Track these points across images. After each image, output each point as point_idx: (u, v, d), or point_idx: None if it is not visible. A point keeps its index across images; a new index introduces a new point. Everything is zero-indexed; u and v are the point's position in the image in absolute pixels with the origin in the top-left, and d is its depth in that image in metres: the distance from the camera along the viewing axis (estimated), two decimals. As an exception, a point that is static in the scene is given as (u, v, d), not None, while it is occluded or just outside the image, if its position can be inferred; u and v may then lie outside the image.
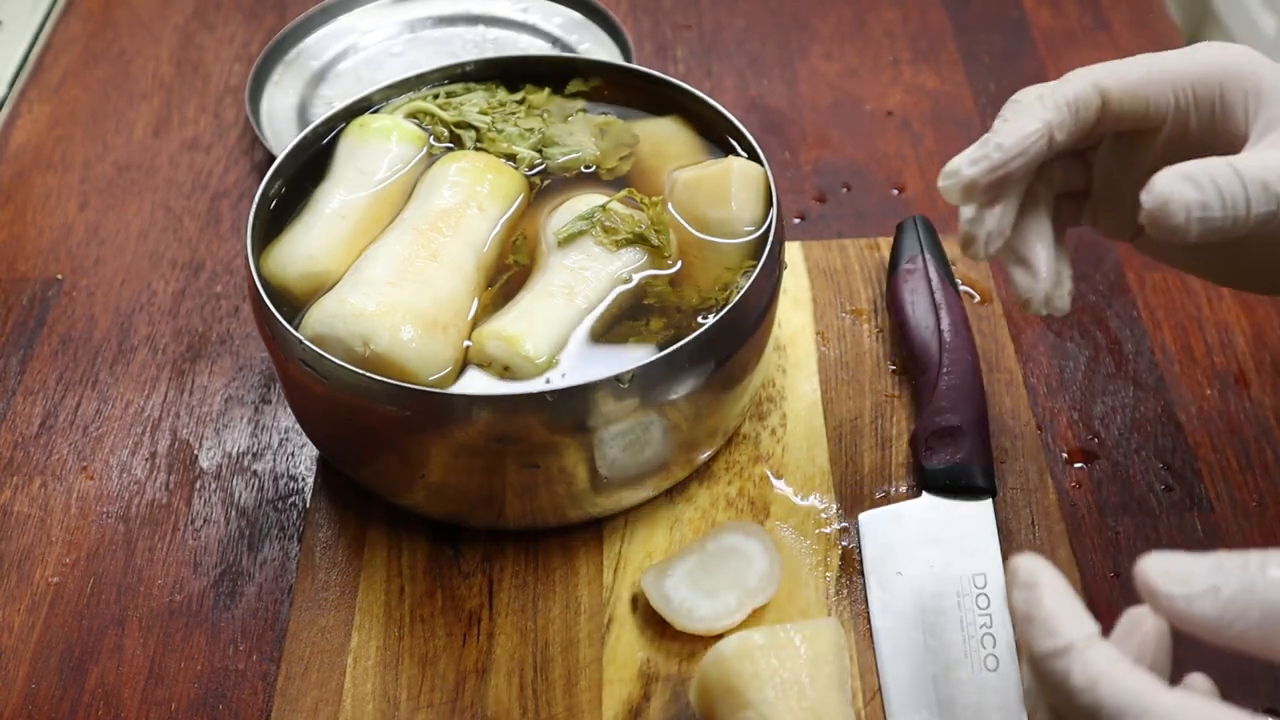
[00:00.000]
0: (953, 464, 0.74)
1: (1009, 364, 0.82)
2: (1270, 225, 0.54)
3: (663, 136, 0.80)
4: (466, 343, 0.69)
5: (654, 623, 0.69)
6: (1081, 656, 0.44)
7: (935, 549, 0.72)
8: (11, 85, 1.08)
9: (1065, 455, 0.78)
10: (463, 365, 0.69)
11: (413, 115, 0.81)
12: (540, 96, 0.82)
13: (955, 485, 0.73)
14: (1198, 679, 0.49)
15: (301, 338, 0.66)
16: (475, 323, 0.70)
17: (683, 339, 0.66)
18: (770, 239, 0.71)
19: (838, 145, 1.00)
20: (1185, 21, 1.62)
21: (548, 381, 0.67)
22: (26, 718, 0.68)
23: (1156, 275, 0.89)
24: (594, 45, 1.05)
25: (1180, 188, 0.53)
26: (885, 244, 0.89)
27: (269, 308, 0.68)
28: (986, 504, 0.73)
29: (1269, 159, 0.55)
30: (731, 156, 0.76)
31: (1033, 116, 0.60)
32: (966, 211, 0.62)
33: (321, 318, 0.68)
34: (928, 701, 0.66)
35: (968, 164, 0.60)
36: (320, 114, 0.93)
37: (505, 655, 0.69)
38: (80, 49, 1.12)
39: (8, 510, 0.78)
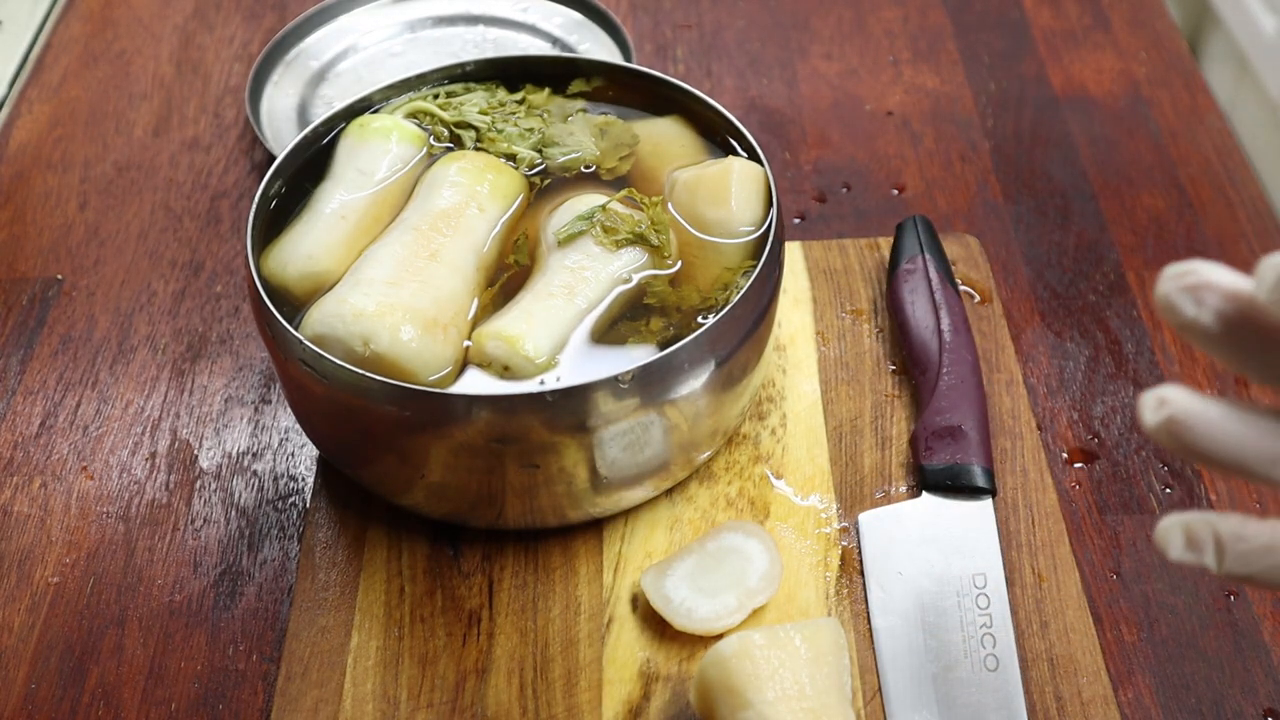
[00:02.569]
0: (953, 464, 0.73)
1: (1009, 364, 0.82)
2: None
3: (663, 136, 0.80)
4: (466, 343, 0.69)
5: (654, 623, 0.69)
6: None
7: (935, 549, 0.72)
8: (11, 85, 1.08)
9: (1065, 455, 0.78)
10: (463, 365, 0.69)
11: (413, 115, 0.81)
12: (540, 96, 0.82)
13: (955, 485, 0.73)
14: None
15: (301, 338, 0.66)
16: (475, 323, 0.70)
17: (683, 339, 0.66)
18: (770, 239, 0.71)
19: (838, 145, 1.00)
20: (1185, 21, 1.62)
21: (542, 383, 0.67)
22: (26, 718, 0.68)
23: (1156, 275, 0.89)
24: (594, 45, 1.05)
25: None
26: (885, 244, 0.89)
27: (269, 308, 0.68)
28: (986, 504, 0.73)
29: None
30: (731, 156, 0.76)
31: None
32: None
33: (321, 318, 0.68)
34: (927, 701, 0.66)
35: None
36: (320, 114, 0.93)
37: (505, 655, 0.69)
38: (80, 49, 1.12)
39: (8, 510, 0.78)
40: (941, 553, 0.71)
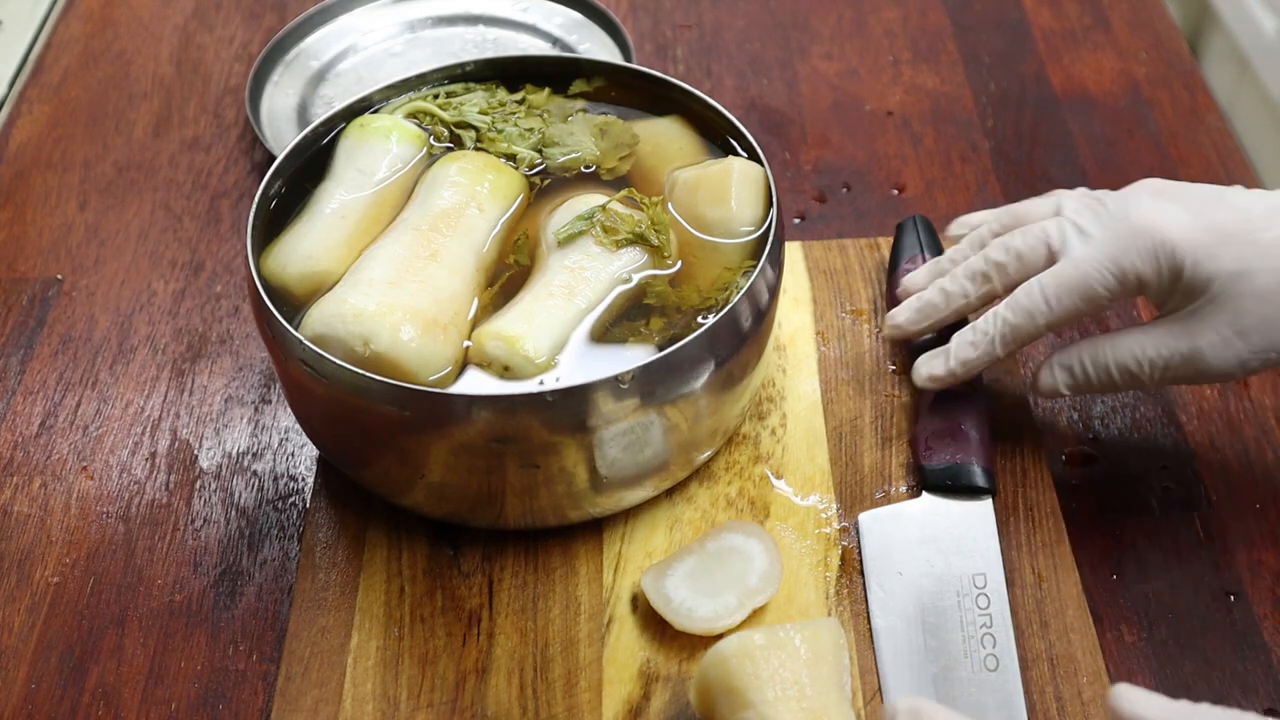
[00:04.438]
0: (952, 464, 0.73)
1: (1009, 364, 0.82)
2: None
3: (663, 136, 0.80)
4: (466, 343, 0.69)
5: (654, 623, 0.69)
6: None
7: (935, 549, 0.72)
8: (11, 85, 1.08)
9: (1065, 455, 0.78)
10: (463, 365, 0.69)
11: (413, 115, 0.81)
12: (540, 96, 0.82)
13: (955, 485, 0.73)
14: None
15: (301, 338, 0.66)
16: (475, 323, 0.70)
17: (683, 339, 0.66)
18: (770, 239, 0.71)
19: (838, 145, 1.00)
20: (1185, 21, 1.62)
21: (541, 383, 0.67)
22: (26, 718, 0.68)
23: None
24: (594, 45, 1.05)
25: (1060, 377, 0.71)
26: (885, 244, 0.89)
27: (269, 308, 0.68)
28: (986, 504, 0.73)
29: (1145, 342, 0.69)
30: (731, 156, 0.76)
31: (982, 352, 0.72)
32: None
33: (321, 318, 0.68)
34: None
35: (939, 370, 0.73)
36: (320, 114, 0.93)
37: (505, 655, 0.69)
38: (80, 49, 1.12)
39: (8, 510, 0.78)
40: (941, 553, 0.71)
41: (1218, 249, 0.65)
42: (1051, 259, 0.70)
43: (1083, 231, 0.69)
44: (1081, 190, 0.74)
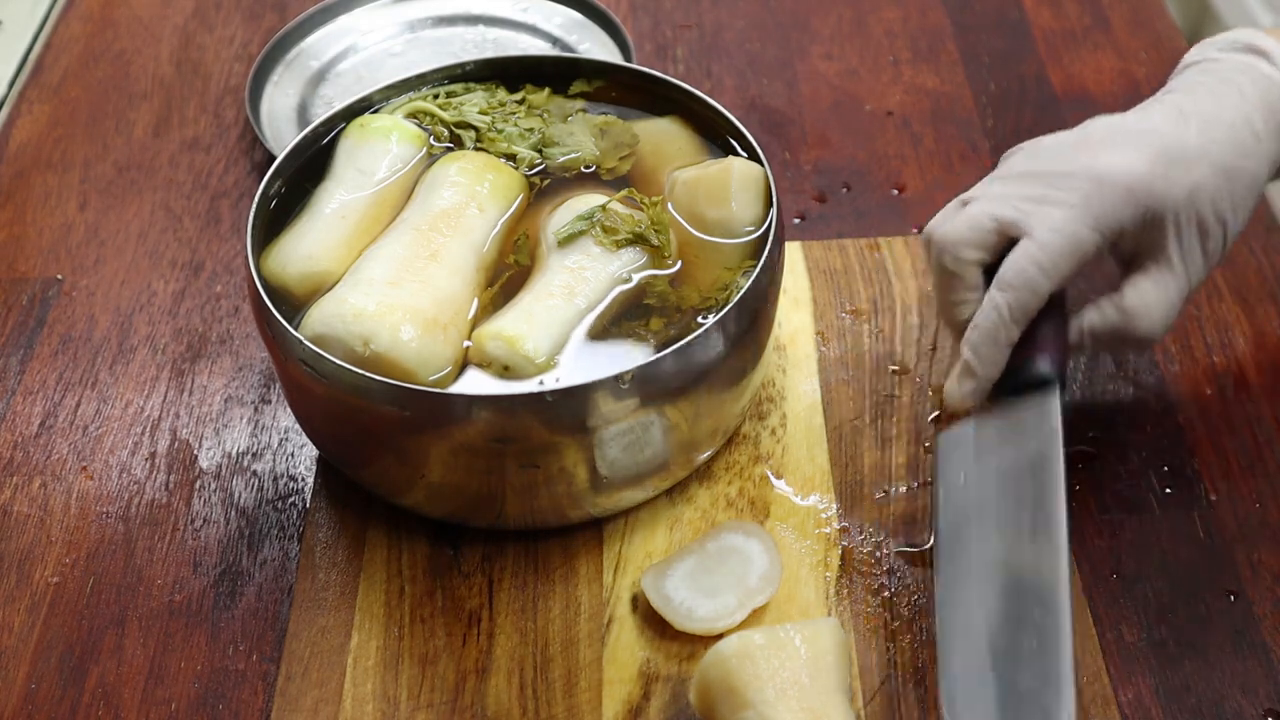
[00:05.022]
0: (1019, 361, 0.68)
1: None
2: None
3: (663, 136, 0.80)
4: (466, 343, 0.69)
5: (654, 623, 0.69)
6: None
7: (1012, 499, 0.67)
8: (11, 85, 1.08)
9: (1065, 455, 0.78)
10: (463, 365, 0.69)
11: (413, 115, 0.81)
12: (540, 96, 0.82)
13: (1020, 381, 0.68)
14: None
15: (301, 338, 0.67)
16: (475, 323, 0.70)
17: (683, 339, 0.66)
18: (770, 239, 0.71)
19: (838, 145, 1.00)
20: (1185, 21, 1.62)
21: (541, 383, 0.67)
22: (26, 718, 0.68)
23: (1156, 275, 0.88)
24: (594, 45, 1.05)
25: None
26: (885, 244, 0.89)
27: (269, 308, 0.68)
28: (1053, 398, 0.68)
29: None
30: (731, 156, 0.76)
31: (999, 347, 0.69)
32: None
33: (321, 318, 0.68)
34: (984, 673, 0.61)
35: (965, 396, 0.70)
36: (320, 114, 0.93)
37: (505, 655, 0.69)
38: (80, 49, 1.12)
39: (8, 510, 0.78)
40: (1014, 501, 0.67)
41: (1173, 174, 0.67)
42: (1003, 232, 0.68)
43: (1041, 203, 0.68)
44: (987, 181, 0.73)
